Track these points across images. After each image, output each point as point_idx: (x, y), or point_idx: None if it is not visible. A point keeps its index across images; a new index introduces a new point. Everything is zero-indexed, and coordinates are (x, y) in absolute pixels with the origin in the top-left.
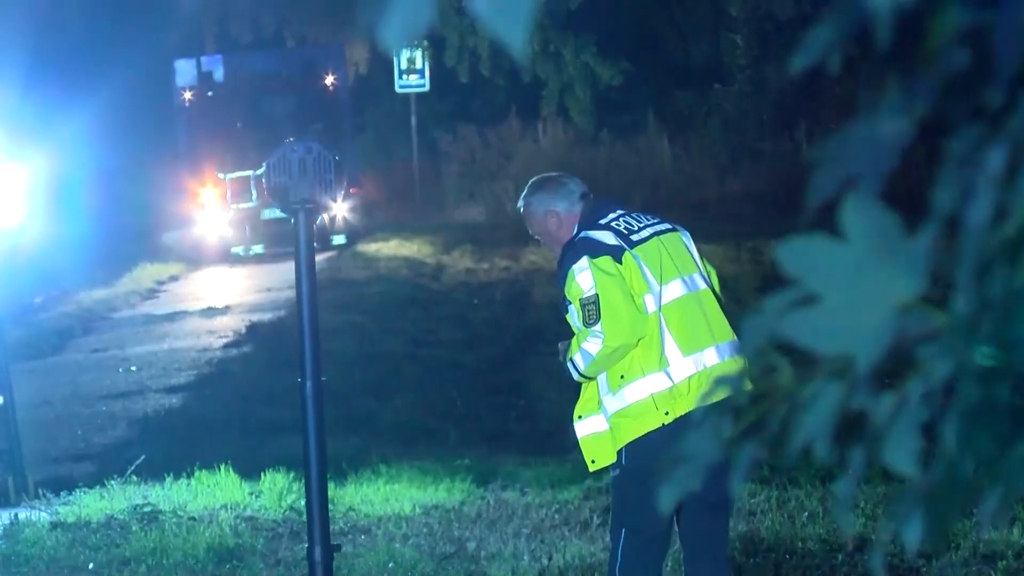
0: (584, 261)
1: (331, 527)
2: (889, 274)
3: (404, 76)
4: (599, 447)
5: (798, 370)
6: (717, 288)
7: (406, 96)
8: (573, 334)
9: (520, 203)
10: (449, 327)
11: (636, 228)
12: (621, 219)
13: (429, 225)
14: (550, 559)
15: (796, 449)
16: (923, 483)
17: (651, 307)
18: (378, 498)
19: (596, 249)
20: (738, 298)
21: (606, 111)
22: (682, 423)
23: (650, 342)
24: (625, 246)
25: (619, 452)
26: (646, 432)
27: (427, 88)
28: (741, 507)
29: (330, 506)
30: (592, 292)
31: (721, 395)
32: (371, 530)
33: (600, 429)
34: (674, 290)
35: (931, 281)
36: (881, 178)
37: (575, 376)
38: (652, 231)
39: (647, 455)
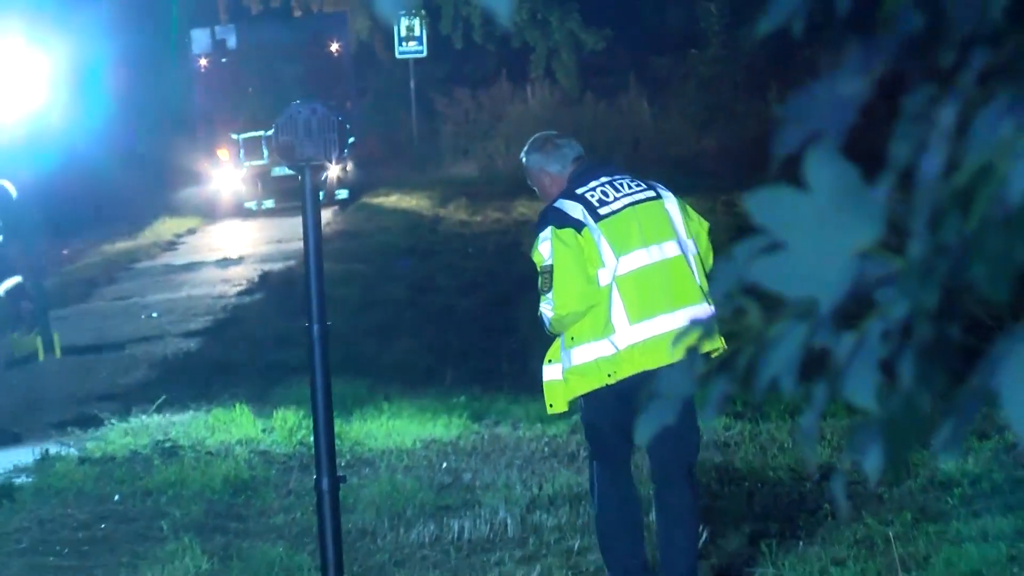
0: (548, 231)
1: (337, 460)
2: (849, 222)
3: (403, 43)
4: (555, 394)
5: (766, 311)
6: (704, 248)
7: (405, 62)
8: None
9: (522, 157)
10: (446, 275)
11: (612, 199)
12: (600, 188)
13: (426, 180)
14: (540, 488)
15: (764, 385)
16: (882, 416)
17: (604, 280)
18: (381, 433)
19: (562, 220)
20: (714, 246)
21: (590, 74)
22: (626, 383)
23: (598, 311)
24: (589, 220)
25: (575, 402)
26: (592, 389)
27: (424, 54)
28: (717, 440)
29: (336, 441)
30: (549, 263)
31: (672, 358)
32: (374, 462)
33: (557, 378)
34: (635, 260)
35: (888, 228)
36: (842, 133)
37: (546, 329)
38: (628, 201)
39: (595, 408)
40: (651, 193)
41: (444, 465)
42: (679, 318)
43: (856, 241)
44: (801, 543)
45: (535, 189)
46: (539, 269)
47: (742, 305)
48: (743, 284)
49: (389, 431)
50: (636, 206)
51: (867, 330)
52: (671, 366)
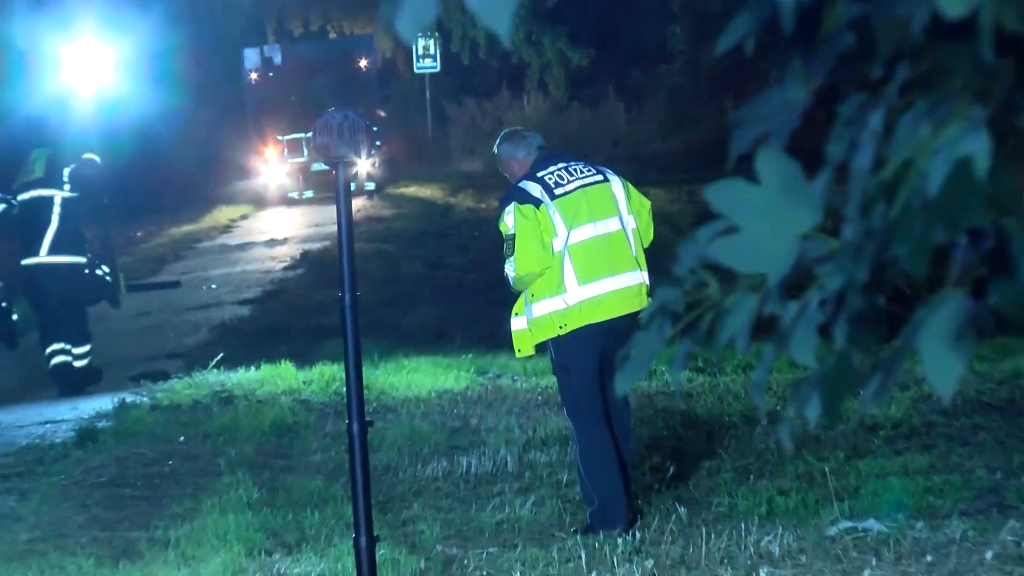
0: (512, 206)
1: (365, 407)
2: (793, 209)
3: (420, 60)
4: (522, 340)
5: (723, 284)
6: (644, 224)
7: (422, 76)
8: None
9: (495, 148)
10: (455, 254)
11: (566, 181)
12: (557, 172)
13: (439, 174)
14: (534, 431)
15: (722, 345)
16: (820, 372)
17: (557, 247)
18: (401, 385)
19: (523, 197)
20: (678, 230)
21: (576, 85)
22: (576, 333)
23: (552, 273)
24: (545, 199)
25: (540, 345)
26: (549, 338)
27: (438, 69)
28: (681, 391)
29: (364, 391)
30: (512, 232)
31: (617, 313)
32: (396, 409)
33: (523, 328)
34: (583, 233)
35: (826, 214)
36: (787, 135)
37: (512, 287)
38: (580, 183)
39: (561, 350)
40: (599, 177)
41: (454, 411)
42: (619, 281)
43: (799, 225)
44: (752, 477)
45: (506, 175)
46: (504, 237)
47: (704, 278)
48: (704, 261)
49: (408, 383)
50: (587, 188)
51: (808, 300)
52: (643, 333)
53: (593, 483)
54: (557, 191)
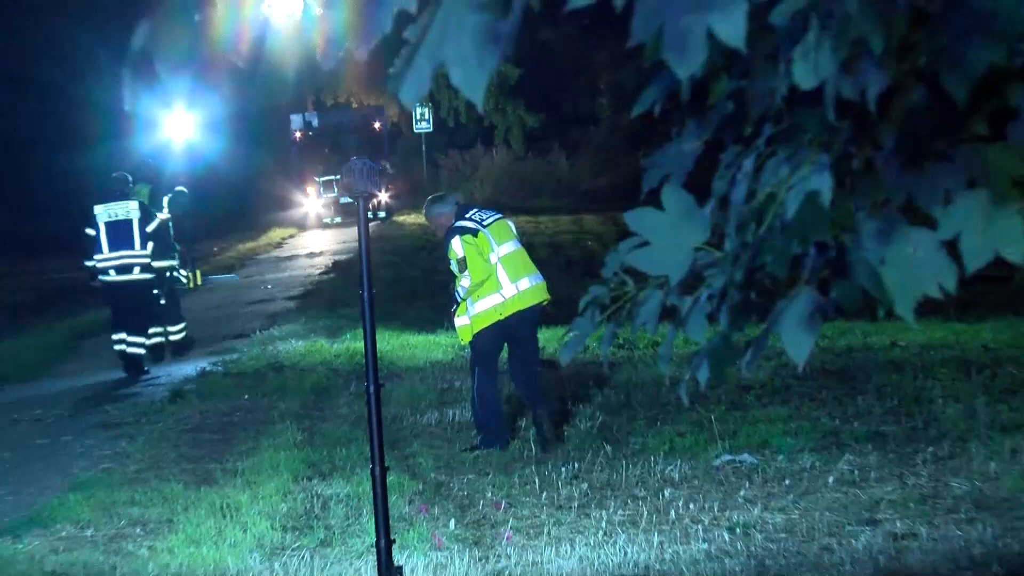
0: (457, 238)
1: (379, 373)
2: (688, 229)
3: (418, 123)
4: (464, 333)
5: (637, 283)
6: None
7: (419, 134)
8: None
9: (425, 210)
10: (444, 263)
11: (485, 218)
12: (476, 213)
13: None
14: (499, 392)
15: (637, 328)
16: (708, 347)
17: (493, 260)
18: (405, 357)
19: (463, 231)
20: (604, 245)
21: (530, 141)
22: (511, 318)
23: (492, 278)
24: (480, 227)
25: (474, 334)
26: (489, 324)
27: (431, 129)
28: (608, 361)
29: (378, 362)
30: (462, 255)
31: (534, 301)
32: (401, 375)
33: (466, 324)
34: (506, 248)
35: (712, 233)
36: (683, 175)
37: (458, 298)
38: (494, 218)
39: (484, 337)
40: (500, 215)
41: (444, 377)
42: (533, 280)
43: (692, 241)
44: (658, 423)
45: (434, 228)
46: (455, 260)
47: (624, 279)
48: (624, 267)
49: (410, 356)
50: (499, 220)
51: (699, 295)
52: (580, 318)
53: (486, 416)
54: (484, 223)
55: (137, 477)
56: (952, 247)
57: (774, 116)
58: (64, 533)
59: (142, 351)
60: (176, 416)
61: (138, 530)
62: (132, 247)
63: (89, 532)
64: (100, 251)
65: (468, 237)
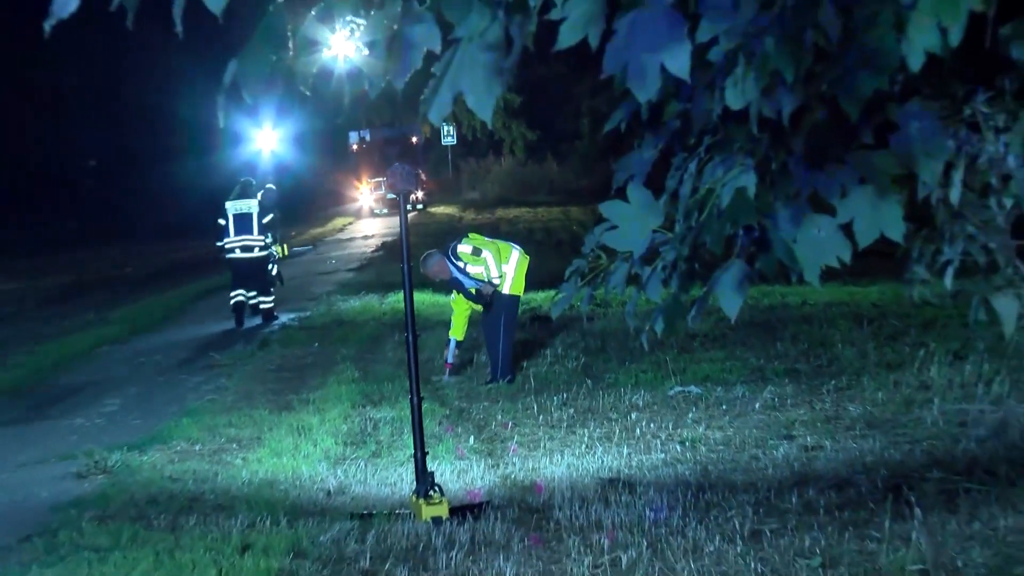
0: (457, 265)
1: (416, 326)
2: (647, 216)
3: (444, 137)
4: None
5: (609, 257)
6: None
7: (446, 146)
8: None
9: (421, 269)
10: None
11: (458, 245)
12: (455, 247)
13: (456, 200)
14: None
15: (609, 292)
16: (663, 305)
17: (485, 252)
18: (436, 314)
19: (457, 256)
20: (585, 228)
21: (530, 152)
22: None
23: (503, 281)
24: (487, 247)
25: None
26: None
27: (455, 142)
28: (587, 316)
29: (416, 317)
30: (478, 263)
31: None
32: (433, 328)
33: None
34: (514, 258)
35: (666, 219)
36: (644, 176)
37: (493, 286)
38: (497, 244)
39: (517, 301)
40: (463, 237)
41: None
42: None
43: (650, 225)
44: (627, 362)
45: (437, 277)
46: (473, 292)
47: (599, 254)
48: (599, 245)
49: (439, 313)
50: (467, 239)
51: (656, 266)
52: (566, 283)
53: (506, 357)
54: (458, 248)
55: (233, 406)
56: (847, 229)
57: (712, 130)
58: (178, 448)
59: (270, 305)
60: (263, 359)
61: (234, 445)
62: (252, 233)
63: (197, 447)
64: (228, 235)
65: (465, 250)
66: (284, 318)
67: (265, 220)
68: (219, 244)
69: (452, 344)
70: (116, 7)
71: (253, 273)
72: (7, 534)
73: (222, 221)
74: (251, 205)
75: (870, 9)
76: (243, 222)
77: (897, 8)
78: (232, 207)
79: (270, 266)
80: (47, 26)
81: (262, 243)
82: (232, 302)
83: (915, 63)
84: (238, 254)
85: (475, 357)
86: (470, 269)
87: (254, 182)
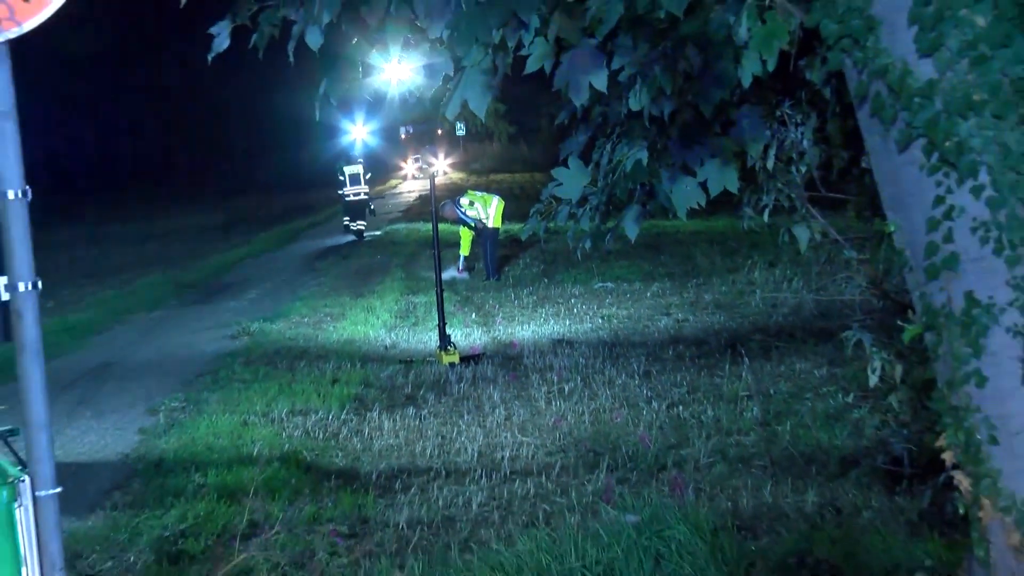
0: (462, 208)
1: (441, 244)
2: (580, 177)
3: (458, 129)
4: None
5: (557, 202)
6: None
7: (459, 136)
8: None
9: (441, 211)
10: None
11: (462, 197)
12: (460, 198)
13: (464, 170)
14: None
15: (559, 223)
16: (590, 231)
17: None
18: (450, 238)
19: (459, 204)
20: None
21: (510, 139)
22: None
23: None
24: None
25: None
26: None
27: (464, 133)
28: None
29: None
30: (473, 209)
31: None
32: (450, 247)
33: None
34: (495, 202)
35: (592, 180)
36: (579, 152)
37: (482, 220)
38: (471, 193)
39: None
40: (461, 193)
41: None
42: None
43: (582, 182)
44: (568, 268)
45: (450, 218)
46: (474, 213)
47: (551, 200)
48: (550, 194)
49: (455, 237)
50: (486, 194)
51: (586, 207)
52: (530, 218)
53: (494, 263)
54: (463, 197)
55: (327, 294)
56: (704, 185)
57: (620, 124)
58: (294, 320)
59: (362, 228)
60: (344, 266)
61: (328, 318)
62: (359, 184)
63: (305, 319)
64: (345, 186)
65: (464, 201)
66: (345, 241)
67: (366, 177)
68: (340, 192)
69: (461, 258)
70: (252, 45)
71: (359, 208)
72: (189, 372)
73: (341, 177)
74: (357, 168)
75: (718, 48)
76: (354, 178)
77: (735, 47)
78: (348, 169)
79: (370, 204)
80: (209, 58)
81: (365, 190)
82: (344, 227)
83: (746, 81)
84: (351, 197)
85: (475, 265)
86: (469, 212)
87: (359, 157)
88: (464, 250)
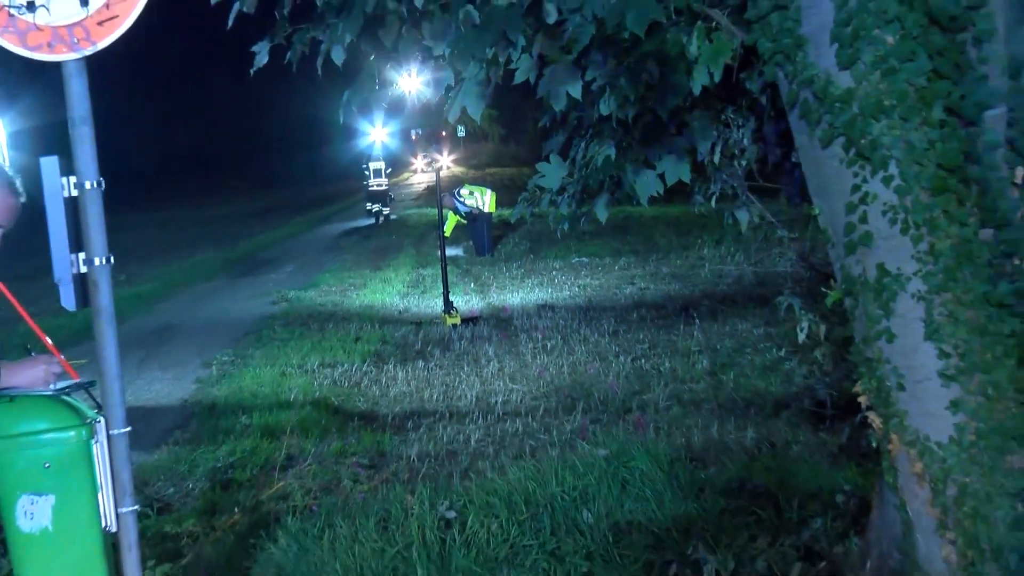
0: (457, 200)
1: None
2: (559, 170)
3: (459, 131)
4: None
5: (541, 190)
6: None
7: (460, 137)
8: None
9: (443, 200)
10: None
11: (460, 190)
12: (457, 191)
13: (464, 165)
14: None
15: (541, 209)
16: (568, 215)
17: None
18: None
19: (457, 195)
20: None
21: (502, 139)
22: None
23: (485, 205)
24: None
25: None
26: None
27: (464, 134)
28: (529, 222)
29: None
30: (468, 202)
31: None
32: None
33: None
34: (488, 194)
35: (569, 171)
36: (558, 149)
37: (478, 209)
38: (483, 187)
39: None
40: (458, 187)
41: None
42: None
43: (561, 174)
44: (549, 245)
45: (448, 207)
46: (469, 205)
47: (536, 189)
48: (535, 184)
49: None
50: (480, 187)
51: (565, 195)
52: (519, 204)
53: (488, 241)
54: (461, 191)
55: (351, 268)
56: (662, 177)
57: (592, 126)
58: (323, 289)
59: (385, 211)
60: (365, 245)
61: (352, 287)
62: (381, 177)
63: (333, 288)
64: (370, 179)
65: (464, 192)
66: (368, 220)
67: (387, 172)
68: (365, 183)
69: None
70: (287, 60)
71: (381, 196)
72: (236, 332)
73: (366, 171)
74: (380, 164)
75: (673, 63)
76: (376, 172)
77: (687, 62)
78: (372, 165)
79: (389, 193)
80: (251, 71)
81: (385, 182)
82: (368, 210)
83: (697, 90)
84: (374, 187)
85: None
86: (468, 201)
87: (381, 155)
88: (447, 231)
